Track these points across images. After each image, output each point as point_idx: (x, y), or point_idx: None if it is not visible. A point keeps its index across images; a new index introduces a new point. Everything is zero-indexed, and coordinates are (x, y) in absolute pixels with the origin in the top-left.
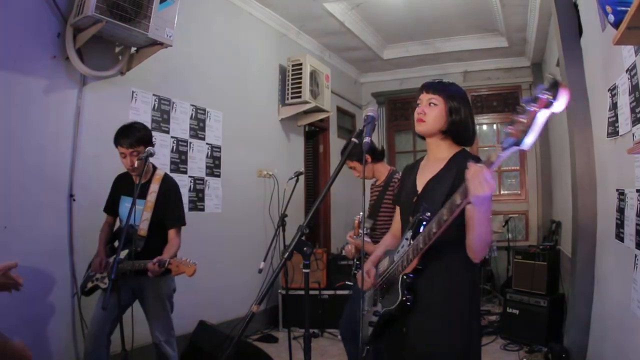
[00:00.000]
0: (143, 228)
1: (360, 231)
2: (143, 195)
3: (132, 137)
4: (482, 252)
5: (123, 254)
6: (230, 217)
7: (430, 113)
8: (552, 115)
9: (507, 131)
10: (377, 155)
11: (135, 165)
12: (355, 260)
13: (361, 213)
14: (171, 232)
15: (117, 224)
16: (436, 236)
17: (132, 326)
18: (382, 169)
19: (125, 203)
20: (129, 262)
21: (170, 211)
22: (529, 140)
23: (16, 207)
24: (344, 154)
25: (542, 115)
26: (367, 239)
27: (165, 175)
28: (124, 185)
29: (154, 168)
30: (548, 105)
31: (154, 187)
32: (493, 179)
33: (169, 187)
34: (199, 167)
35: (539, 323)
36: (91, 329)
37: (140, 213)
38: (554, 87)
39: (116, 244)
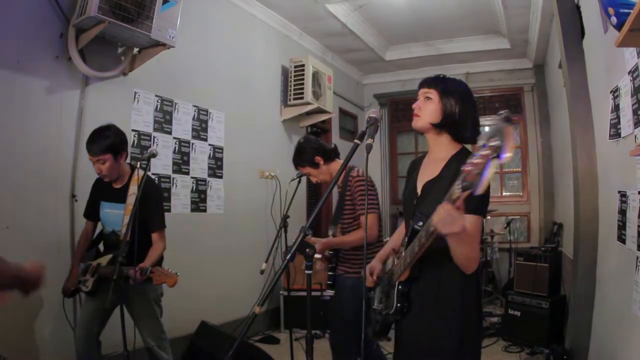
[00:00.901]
0: (124, 233)
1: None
2: (123, 198)
3: (96, 146)
4: (468, 268)
5: (106, 258)
6: (232, 218)
7: (425, 107)
8: (504, 161)
9: (464, 169)
10: (328, 154)
11: (104, 172)
12: (330, 265)
13: (330, 231)
14: (154, 236)
15: (99, 227)
16: (424, 248)
17: (134, 327)
18: (339, 169)
19: (105, 209)
20: (112, 267)
21: (150, 214)
22: (481, 188)
23: (18, 207)
24: (297, 161)
25: (493, 165)
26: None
27: (145, 177)
28: (102, 190)
29: (132, 169)
30: (497, 152)
31: (133, 189)
32: (460, 216)
33: (148, 189)
34: (201, 168)
35: (541, 325)
36: (80, 333)
37: (122, 218)
38: (500, 134)
39: (101, 247)
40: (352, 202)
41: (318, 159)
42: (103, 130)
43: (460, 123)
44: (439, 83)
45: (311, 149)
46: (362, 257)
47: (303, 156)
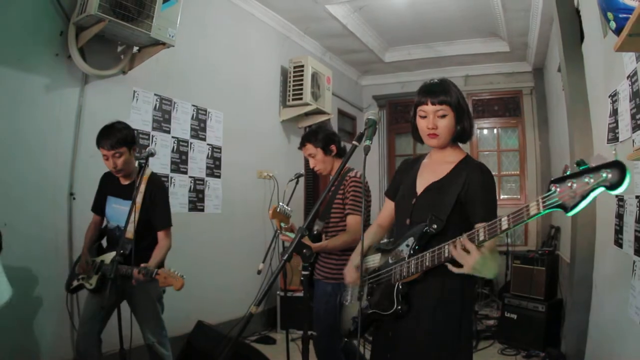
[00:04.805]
0: (130, 230)
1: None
2: (130, 195)
3: (113, 138)
4: None
5: (110, 256)
6: (230, 218)
7: (442, 126)
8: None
9: (553, 189)
10: (340, 149)
11: (120, 166)
12: (303, 263)
13: (281, 203)
14: (160, 234)
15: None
16: (446, 261)
17: (131, 326)
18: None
19: (112, 204)
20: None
21: (157, 212)
22: (576, 210)
23: (17, 204)
24: (311, 138)
25: (596, 193)
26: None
27: (152, 175)
28: (110, 185)
29: (141, 167)
30: (608, 186)
31: (141, 188)
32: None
33: (155, 188)
34: (199, 167)
35: (537, 328)
36: (81, 330)
37: (127, 214)
38: (618, 169)
39: (104, 242)
40: (343, 201)
41: (333, 147)
42: (114, 125)
43: (467, 128)
44: (448, 99)
45: (330, 134)
46: (341, 262)
47: (320, 135)
